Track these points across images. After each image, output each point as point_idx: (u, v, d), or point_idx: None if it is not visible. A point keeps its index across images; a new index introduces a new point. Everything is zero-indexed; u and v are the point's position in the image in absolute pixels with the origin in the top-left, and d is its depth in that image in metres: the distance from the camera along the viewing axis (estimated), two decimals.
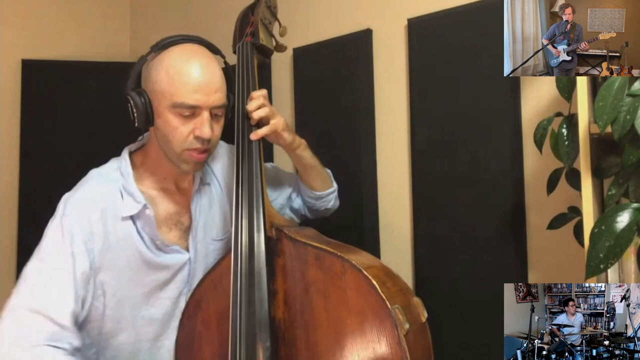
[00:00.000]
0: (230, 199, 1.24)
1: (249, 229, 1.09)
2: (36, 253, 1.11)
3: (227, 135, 1.23)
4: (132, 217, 1.15)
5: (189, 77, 1.09)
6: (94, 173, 1.20)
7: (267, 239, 1.09)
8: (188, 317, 1.17)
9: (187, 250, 1.21)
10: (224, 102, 1.14)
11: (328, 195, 1.36)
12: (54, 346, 1.04)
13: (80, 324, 1.13)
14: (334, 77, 1.69)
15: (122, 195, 1.15)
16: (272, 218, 1.13)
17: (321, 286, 1.01)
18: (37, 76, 2.09)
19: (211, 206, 1.26)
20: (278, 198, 1.38)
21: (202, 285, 1.17)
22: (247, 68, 1.25)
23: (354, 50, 1.65)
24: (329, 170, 1.40)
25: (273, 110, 1.19)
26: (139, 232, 1.15)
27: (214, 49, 1.19)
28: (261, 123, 1.18)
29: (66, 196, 1.16)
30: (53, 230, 1.11)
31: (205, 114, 1.10)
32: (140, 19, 2.38)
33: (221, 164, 1.32)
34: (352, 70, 1.65)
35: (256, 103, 1.16)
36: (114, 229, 1.14)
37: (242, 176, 1.14)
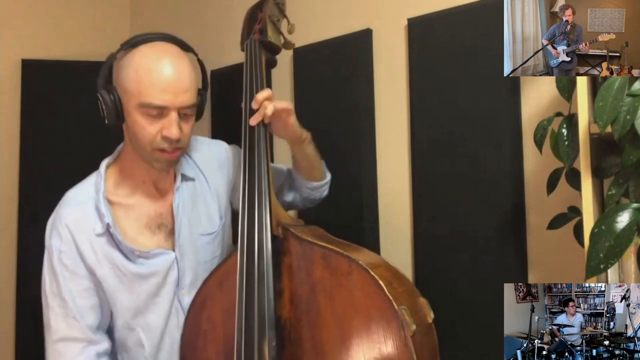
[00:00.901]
0: (216, 193, 1.28)
1: (255, 228, 1.09)
2: (43, 289, 1.16)
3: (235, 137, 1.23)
4: (104, 234, 1.15)
5: (157, 77, 1.07)
6: (69, 195, 1.21)
7: (274, 238, 1.08)
8: (193, 315, 1.16)
9: (173, 249, 1.20)
10: (194, 101, 1.12)
11: (324, 185, 1.37)
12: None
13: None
14: (334, 77, 1.69)
15: (96, 212, 1.16)
16: (279, 217, 1.12)
17: (327, 286, 1.00)
18: (37, 76, 2.09)
19: (195, 202, 1.25)
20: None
21: (207, 283, 1.16)
22: (254, 65, 1.24)
23: (354, 50, 1.65)
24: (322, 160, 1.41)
25: (280, 102, 1.18)
26: (117, 247, 1.16)
27: (185, 47, 1.16)
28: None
29: (49, 222, 1.19)
30: (48, 263, 1.16)
31: (174, 115, 1.08)
32: (140, 19, 2.38)
33: (205, 159, 1.30)
34: (352, 70, 1.65)
35: (265, 94, 1.15)
36: (95, 248, 1.15)
37: (248, 175, 1.14)
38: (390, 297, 0.93)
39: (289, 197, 1.39)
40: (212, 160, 1.31)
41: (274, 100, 1.17)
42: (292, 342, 1.03)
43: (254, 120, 1.15)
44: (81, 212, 1.16)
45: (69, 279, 1.15)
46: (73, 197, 1.20)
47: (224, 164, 1.32)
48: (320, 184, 1.35)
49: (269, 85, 1.83)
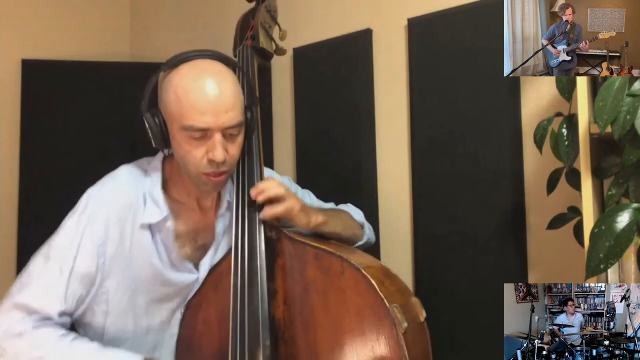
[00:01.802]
0: None
1: (248, 230, 1.09)
2: (45, 245, 1.09)
3: None
4: (150, 227, 1.12)
5: (196, 98, 1.02)
6: (123, 170, 1.16)
7: (267, 240, 1.09)
8: (189, 317, 1.17)
9: (197, 269, 1.17)
10: (239, 120, 1.06)
11: (365, 243, 1.30)
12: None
13: (80, 328, 1.14)
14: (334, 77, 1.69)
15: (144, 201, 1.11)
16: None
17: (320, 286, 1.02)
18: (37, 76, 2.09)
19: (227, 229, 1.20)
20: None
21: (203, 285, 1.17)
22: (247, 72, 1.26)
23: (354, 50, 1.65)
24: (358, 217, 1.32)
25: (288, 190, 1.12)
26: (155, 244, 1.12)
27: (229, 62, 1.11)
28: (272, 201, 1.11)
29: (90, 191, 1.12)
30: (68, 226, 1.09)
31: (217, 136, 1.04)
32: (140, 19, 2.38)
33: None
34: (352, 70, 1.65)
35: (266, 184, 1.10)
36: (131, 237, 1.11)
37: (241, 177, 1.15)
38: (382, 295, 0.94)
39: None
40: None
41: (275, 186, 1.10)
42: (286, 341, 1.04)
43: (266, 213, 1.09)
44: (128, 196, 1.11)
45: (79, 257, 1.08)
46: (130, 172, 1.15)
47: None
48: (359, 245, 1.28)
49: (269, 86, 1.84)
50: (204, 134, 1.04)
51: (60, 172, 2.01)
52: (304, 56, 1.77)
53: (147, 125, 1.07)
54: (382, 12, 1.63)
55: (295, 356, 1.02)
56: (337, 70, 1.68)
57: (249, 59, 1.27)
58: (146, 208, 1.11)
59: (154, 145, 1.09)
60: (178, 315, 1.19)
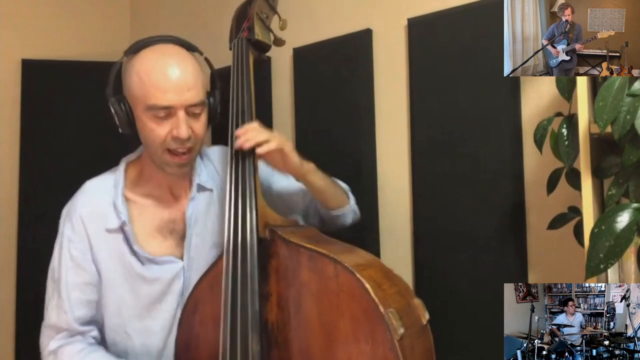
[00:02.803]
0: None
1: (241, 230, 1.07)
2: (49, 274, 1.21)
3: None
4: (116, 230, 1.17)
5: (158, 77, 1.06)
6: (88, 185, 1.22)
7: (260, 241, 1.06)
8: (186, 318, 1.16)
9: (182, 258, 1.19)
10: (201, 99, 1.11)
11: (345, 213, 1.31)
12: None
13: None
14: (334, 77, 1.69)
15: (112, 207, 1.18)
16: (267, 218, 1.10)
17: (314, 289, 0.99)
18: (37, 76, 2.09)
19: (208, 212, 1.23)
20: (291, 214, 1.34)
21: (199, 286, 1.15)
22: (241, 64, 1.23)
23: (354, 50, 1.65)
24: (344, 185, 1.35)
25: (273, 133, 1.14)
26: (127, 245, 1.17)
27: (189, 47, 1.16)
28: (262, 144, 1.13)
29: (64, 210, 1.21)
30: (58, 251, 1.19)
31: (181, 114, 1.08)
32: (140, 19, 2.38)
33: (223, 165, 1.29)
34: (352, 70, 1.65)
35: (248, 128, 1.11)
36: (106, 242, 1.17)
37: (234, 176, 1.12)
38: (377, 300, 0.91)
39: (315, 220, 1.35)
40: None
41: (260, 130, 1.12)
42: (279, 345, 1.01)
43: (261, 149, 1.10)
44: (97, 205, 1.18)
45: (71, 269, 1.16)
46: (91, 188, 1.21)
47: None
48: (338, 213, 1.29)
49: (269, 86, 1.84)
50: (168, 112, 1.08)
51: (60, 172, 2.01)
52: (304, 56, 1.77)
53: (112, 111, 1.11)
54: (382, 12, 1.63)
55: None
56: (337, 70, 1.68)
57: (244, 51, 1.23)
58: (109, 216, 1.17)
59: (120, 130, 1.13)
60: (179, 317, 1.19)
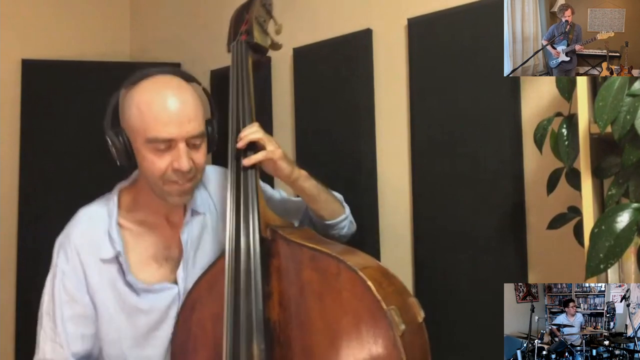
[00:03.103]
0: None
1: (243, 230, 1.08)
2: (41, 306, 1.16)
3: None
4: (112, 260, 1.15)
5: (159, 110, 1.05)
6: (81, 214, 1.20)
7: (262, 240, 1.08)
8: (183, 319, 1.16)
9: (176, 282, 1.18)
10: (201, 130, 1.10)
11: (340, 223, 1.29)
12: None
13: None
14: (334, 77, 1.69)
15: (106, 236, 1.16)
16: (267, 219, 1.12)
17: (316, 287, 1.00)
18: (37, 76, 2.09)
19: (202, 234, 1.23)
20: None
21: (197, 286, 1.15)
22: (241, 67, 1.24)
23: (354, 50, 1.65)
24: (339, 195, 1.34)
25: (269, 137, 1.15)
26: (121, 276, 1.15)
27: (188, 78, 1.15)
28: (257, 149, 1.15)
29: (58, 241, 1.18)
30: (48, 280, 1.16)
31: (182, 146, 1.07)
32: (140, 19, 2.38)
33: (219, 188, 1.29)
34: (352, 70, 1.65)
35: (247, 130, 1.14)
36: (101, 273, 1.15)
37: (235, 178, 1.13)
38: (379, 298, 0.92)
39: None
40: (216, 182, 1.29)
41: (261, 133, 1.14)
42: (281, 344, 1.02)
43: (248, 161, 1.13)
44: (92, 234, 1.16)
45: (65, 303, 1.14)
46: (85, 217, 1.19)
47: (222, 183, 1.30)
48: (332, 223, 1.27)
49: (269, 86, 1.84)
50: (169, 144, 1.06)
51: (60, 172, 2.01)
52: (304, 56, 1.77)
53: (110, 144, 1.10)
54: (382, 12, 1.63)
55: (290, 358, 1.01)
56: (337, 70, 1.68)
57: (244, 54, 1.25)
58: (103, 245, 1.15)
59: (117, 163, 1.11)
60: None
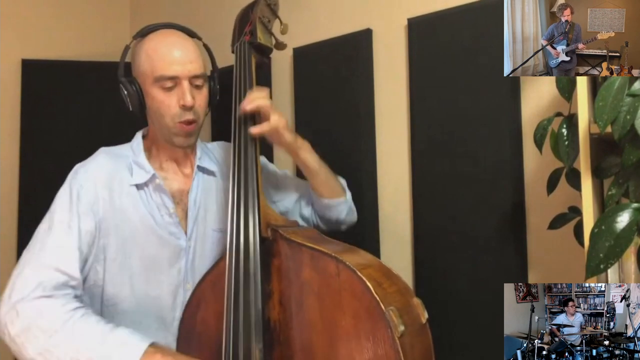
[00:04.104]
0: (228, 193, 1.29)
1: (244, 230, 1.09)
2: (47, 214, 1.19)
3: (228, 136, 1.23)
4: (140, 186, 1.22)
5: (165, 52, 1.19)
6: (103, 149, 1.28)
7: (262, 240, 1.09)
8: (188, 316, 1.17)
9: (186, 234, 1.24)
10: (202, 71, 1.22)
11: (338, 206, 1.34)
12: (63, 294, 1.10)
13: (83, 285, 1.17)
14: (334, 77, 1.69)
15: (131, 168, 1.23)
16: (269, 218, 1.12)
17: (316, 287, 1.00)
18: (37, 76, 2.09)
19: (211, 194, 1.30)
20: (283, 200, 1.38)
21: (201, 284, 1.17)
22: (244, 67, 1.26)
23: (354, 50, 1.65)
24: (343, 180, 1.39)
25: (273, 106, 1.20)
26: (148, 202, 1.22)
27: (190, 33, 1.28)
28: (261, 119, 1.20)
29: (76, 166, 1.24)
30: (62, 193, 1.20)
31: (185, 83, 1.19)
32: (140, 19, 2.38)
33: (225, 159, 1.36)
34: (352, 70, 1.65)
35: (256, 94, 1.20)
36: (120, 196, 1.20)
37: (237, 176, 1.15)
38: (378, 298, 0.93)
39: (306, 211, 1.38)
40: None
41: (268, 101, 1.20)
42: (281, 343, 1.03)
43: (255, 130, 1.18)
44: (115, 164, 1.23)
45: (75, 217, 1.16)
46: (107, 150, 1.27)
47: None
48: (330, 203, 1.33)
49: (269, 86, 1.84)
50: (174, 82, 1.19)
51: (60, 172, 2.00)
52: (304, 56, 1.77)
53: (124, 90, 1.21)
54: (382, 12, 1.63)
55: (290, 358, 1.01)
56: (337, 70, 1.68)
57: (247, 54, 1.27)
58: (134, 172, 1.23)
59: (130, 108, 1.22)
60: (181, 300, 1.22)
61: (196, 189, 1.28)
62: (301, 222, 1.37)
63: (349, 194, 1.38)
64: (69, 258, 1.12)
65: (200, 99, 1.23)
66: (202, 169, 1.31)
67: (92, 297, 1.19)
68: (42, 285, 1.07)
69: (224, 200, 1.29)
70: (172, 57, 1.19)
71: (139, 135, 1.30)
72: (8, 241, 2.03)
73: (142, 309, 1.20)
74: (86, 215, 1.16)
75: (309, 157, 1.28)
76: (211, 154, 1.36)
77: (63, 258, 1.12)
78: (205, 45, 1.32)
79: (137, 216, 1.20)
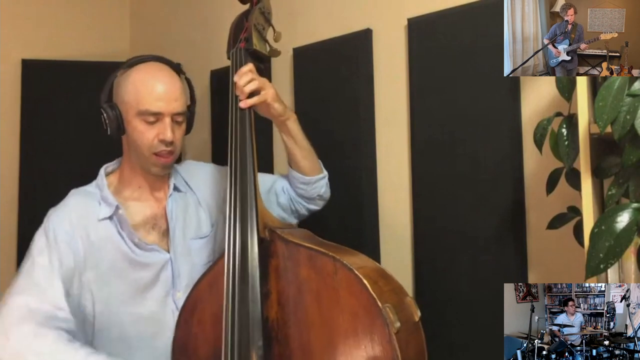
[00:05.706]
0: (206, 204, 1.37)
1: (241, 231, 1.11)
2: (26, 256, 1.22)
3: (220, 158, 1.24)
4: (111, 219, 1.25)
5: (152, 87, 1.23)
6: (73, 191, 1.31)
7: (260, 241, 1.10)
8: (185, 318, 1.18)
9: (167, 251, 1.28)
10: (184, 109, 1.27)
11: (318, 181, 1.38)
12: (53, 327, 1.13)
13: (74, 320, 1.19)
14: (334, 77, 1.69)
15: (99, 204, 1.26)
16: (266, 219, 1.14)
17: (314, 286, 1.02)
18: (37, 76, 2.09)
19: (186, 209, 1.34)
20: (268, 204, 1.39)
21: (198, 286, 1.18)
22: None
23: (354, 50, 1.65)
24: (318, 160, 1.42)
25: (263, 81, 1.25)
26: (119, 233, 1.25)
27: (175, 67, 1.32)
28: (252, 95, 1.23)
29: (50, 211, 1.27)
30: (38, 237, 1.22)
31: (167, 120, 1.23)
32: (140, 19, 2.38)
33: (193, 176, 1.40)
34: (352, 70, 1.65)
35: (246, 78, 1.22)
36: (96, 231, 1.23)
37: (234, 179, 1.17)
38: (374, 295, 0.95)
39: (283, 199, 1.40)
40: (198, 176, 1.41)
41: (257, 75, 1.24)
42: (279, 342, 1.04)
43: (244, 104, 1.22)
44: (85, 203, 1.26)
45: (55, 254, 1.19)
46: (77, 191, 1.30)
47: (208, 178, 1.42)
48: (311, 179, 1.36)
49: None
50: (157, 118, 1.23)
51: (60, 172, 2.01)
52: (304, 56, 1.77)
53: (104, 115, 1.24)
54: (382, 12, 1.63)
55: (288, 356, 1.03)
56: (337, 70, 1.68)
57: (242, 61, 1.29)
58: (101, 207, 1.26)
59: (108, 132, 1.26)
60: (172, 308, 1.24)
61: (172, 206, 1.32)
62: (278, 213, 1.38)
63: (325, 172, 1.42)
64: (53, 290, 1.16)
65: (179, 132, 1.28)
66: (176, 188, 1.35)
67: (84, 328, 1.22)
68: (30, 315, 1.12)
69: (197, 211, 1.36)
70: (157, 94, 1.22)
71: (102, 172, 1.33)
72: (8, 241, 2.03)
73: (130, 333, 1.23)
74: (65, 253, 1.19)
75: (295, 128, 1.32)
76: (179, 176, 1.39)
77: (49, 293, 1.15)
78: (187, 79, 1.37)
79: (113, 247, 1.23)
